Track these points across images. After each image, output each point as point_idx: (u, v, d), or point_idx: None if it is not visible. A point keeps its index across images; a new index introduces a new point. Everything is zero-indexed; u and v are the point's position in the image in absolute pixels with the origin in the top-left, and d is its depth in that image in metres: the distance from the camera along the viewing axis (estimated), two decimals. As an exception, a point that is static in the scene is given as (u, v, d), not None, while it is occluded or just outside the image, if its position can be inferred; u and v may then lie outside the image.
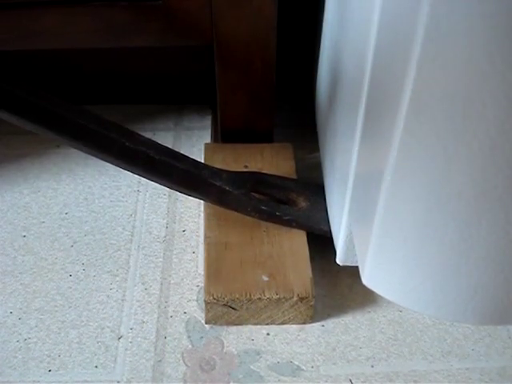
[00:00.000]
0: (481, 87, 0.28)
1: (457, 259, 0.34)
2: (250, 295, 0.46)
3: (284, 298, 0.46)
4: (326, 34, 0.52)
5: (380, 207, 0.35)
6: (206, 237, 0.50)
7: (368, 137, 0.37)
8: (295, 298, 0.46)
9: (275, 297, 0.46)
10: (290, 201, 0.52)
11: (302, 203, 0.52)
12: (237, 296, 0.46)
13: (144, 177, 0.47)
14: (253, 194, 0.50)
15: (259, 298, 0.46)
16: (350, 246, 0.45)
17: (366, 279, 0.40)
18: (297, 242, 0.50)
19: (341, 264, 0.47)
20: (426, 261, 0.35)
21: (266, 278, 0.47)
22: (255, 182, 0.51)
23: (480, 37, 0.26)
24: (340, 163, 0.45)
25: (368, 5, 0.34)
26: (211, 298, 0.46)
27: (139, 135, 0.46)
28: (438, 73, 0.28)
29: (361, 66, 0.37)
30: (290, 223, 0.50)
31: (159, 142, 0.47)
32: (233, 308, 0.46)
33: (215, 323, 0.48)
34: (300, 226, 0.50)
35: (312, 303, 0.46)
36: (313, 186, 0.53)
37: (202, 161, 0.58)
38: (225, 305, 0.46)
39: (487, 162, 0.30)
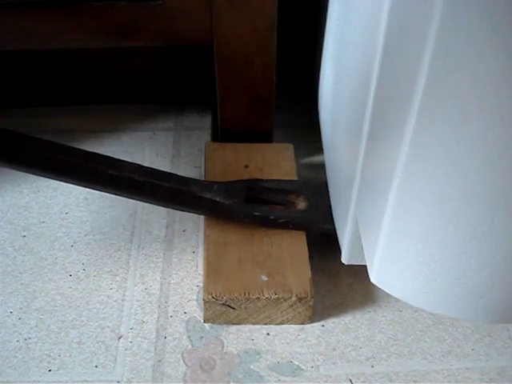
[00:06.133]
0: (496, 81, 0.27)
1: (468, 257, 0.33)
2: (249, 294, 0.46)
3: (282, 298, 0.46)
4: (331, 31, 0.51)
5: (390, 206, 0.35)
6: (205, 236, 0.50)
7: (376, 136, 0.37)
8: (294, 298, 0.46)
9: (274, 297, 0.46)
10: (289, 202, 0.52)
11: (302, 203, 0.52)
12: (235, 295, 0.46)
13: (132, 199, 0.50)
14: (246, 201, 0.50)
15: (258, 298, 0.46)
16: (356, 244, 0.44)
17: (375, 277, 0.39)
18: (296, 242, 0.50)
19: (346, 263, 0.46)
20: (437, 258, 0.35)
21: (264, 278, 0.47)
22: (250, 189, 0.51)
23: (497, 30, 0.26)
24: (346, 162, 0.45)
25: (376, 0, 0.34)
26: (210, 296, 0.45)
27: (123, 161, 0.48)
28: (452, 68, 0.28)
29: (368, 64, 0.36)
30: (286, 225, 0.50)
31: (145, 164, 0.49)
32: (231, 307, 0.46)
33: (213, 322, 0.48)
34: (297, 227, 0.50)
35: (311, 304, 0.46)
36: (313, 185, 0.53)
37: (203, 160, 0.58)
38: (223, 304, 0.46)
39: (502, 159, 0.29)
